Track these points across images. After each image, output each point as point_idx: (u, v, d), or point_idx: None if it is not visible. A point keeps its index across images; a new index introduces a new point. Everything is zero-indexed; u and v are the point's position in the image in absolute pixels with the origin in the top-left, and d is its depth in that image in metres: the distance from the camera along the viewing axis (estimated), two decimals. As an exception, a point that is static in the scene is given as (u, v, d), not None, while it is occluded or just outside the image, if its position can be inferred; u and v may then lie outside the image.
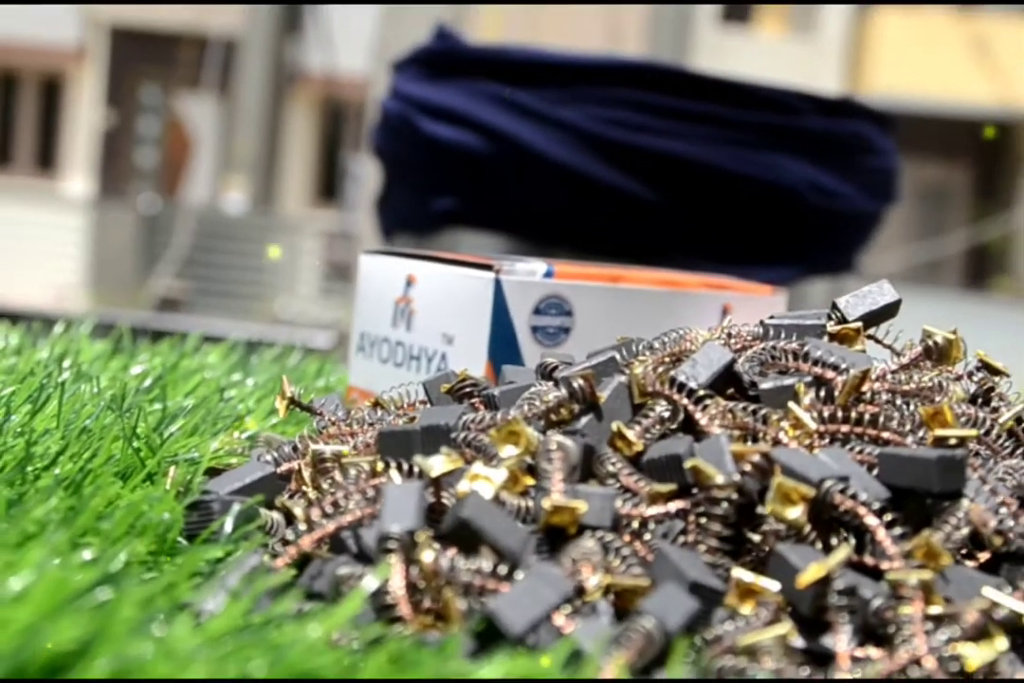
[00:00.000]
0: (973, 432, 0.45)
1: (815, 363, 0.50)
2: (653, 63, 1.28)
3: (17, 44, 8.19)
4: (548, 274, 0.70)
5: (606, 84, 1.27)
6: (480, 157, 1.28)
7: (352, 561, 0.43)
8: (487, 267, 0.68)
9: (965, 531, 0.44)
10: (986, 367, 0.53)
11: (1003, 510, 0.44)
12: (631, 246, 1.27)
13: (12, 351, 0.78)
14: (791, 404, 0.47)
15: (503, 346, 0.68)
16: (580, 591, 0.40)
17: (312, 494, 0.47)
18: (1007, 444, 0.50)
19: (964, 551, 0.45)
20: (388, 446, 0.48)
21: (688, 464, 0.43)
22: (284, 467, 0.51)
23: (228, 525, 0.44)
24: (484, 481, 0.44)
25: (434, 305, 0.71)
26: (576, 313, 0.70)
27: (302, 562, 0.44)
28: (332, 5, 6.18)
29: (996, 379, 0.53)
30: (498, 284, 0.68)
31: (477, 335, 0.68)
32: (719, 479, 0.43)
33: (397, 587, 0.39)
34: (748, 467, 0.43)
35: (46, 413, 0.55)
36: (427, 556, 0.39)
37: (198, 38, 7.16)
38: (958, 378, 0.52)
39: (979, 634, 0.38)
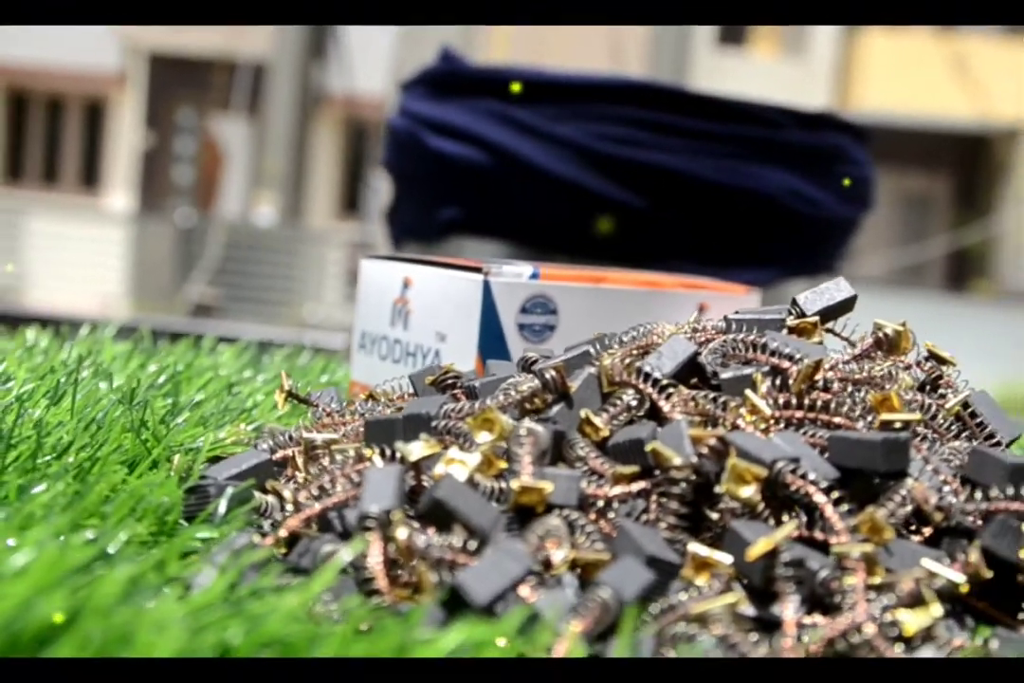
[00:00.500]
0: (916, 416, 0.45)
1: (772, 354, 0.50)
2: (645, 82, 1.28)
3: (63, 71, 8.22)
4: (534, 276, 0.70)
5: (600, 102, 1.27)
6: (482, 170, 1.28)
7: (337, 539, 0.43)
8: (477, 270, 0.68)
9: (909, 508, 0.44)
10: (934, 357, 0.53)
11: (945, 488, 0.44)
12: (625, 252, 1.27)
13: (40, 351, 0.78)
14: (748, 392, 0.47)
15: (492, 343, 0.68)
16: (547, 565, 0.41)
17: (303, 478, 0.47)
18: (953, 428, 0.50)
19: (912, 526, 0.45)
20: (373, 433, 0.48)
21: (648, 447, 0.43)
22: (279, 454, 0.51)
23: (222, 507, 0.44)
24: (459, 465, 0.44)
25: (428, 305, 0.71)
26: (560, 312, 0.70)
27: (292, 541, 0.44)
28: (352, 30, 6.19)
29: (943, 368, 0.53)
30: (487, 285, 0.68)
31: (468, 333, 0.68)
32: (677, 461, 0.43)
33: (375, 562, 0.40)
34: (705, 450, 0.43)
35: (62, 407, 0.56)
36: (401, 533, 0.39)
37: (229, 63, 7.17)
38: (907, 367, 0.52)
39: (915, 601, 0.38)
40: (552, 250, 1.28)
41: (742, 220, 1.27)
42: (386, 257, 0.75)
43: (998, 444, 0.52)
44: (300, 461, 0.49)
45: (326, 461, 0.47)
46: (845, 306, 0.56)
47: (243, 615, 0.33)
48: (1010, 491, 0.43)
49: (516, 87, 1.23)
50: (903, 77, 7.15)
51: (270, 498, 0.47)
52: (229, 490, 0.45)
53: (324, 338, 2.38)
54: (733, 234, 1.28)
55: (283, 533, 0.43)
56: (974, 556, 0.42)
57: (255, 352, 0.86)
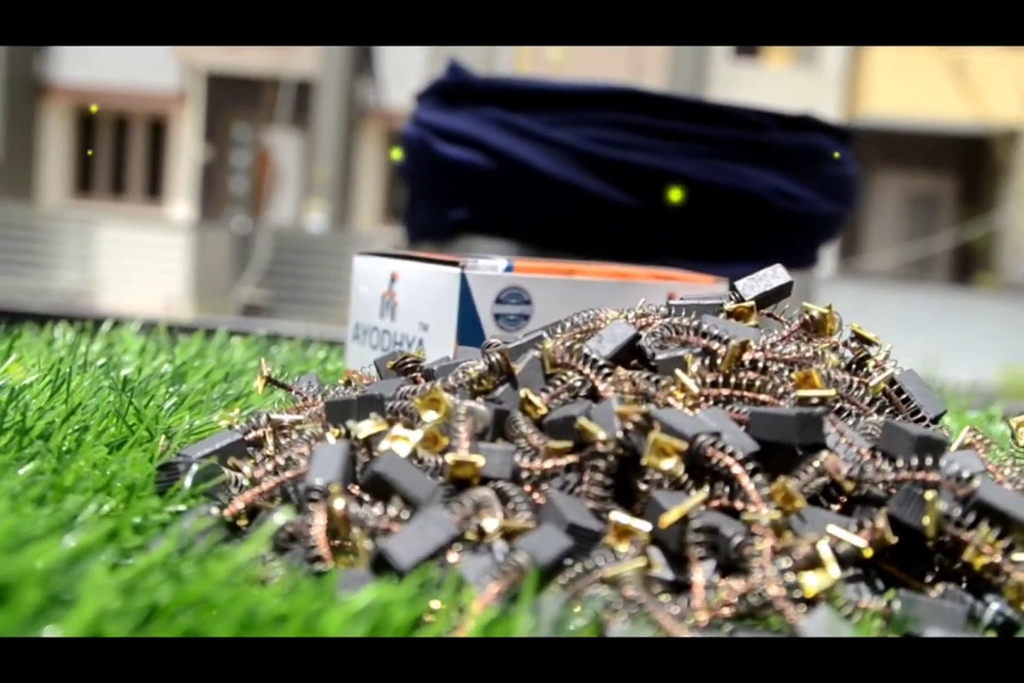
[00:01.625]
0: (831, 392, 0.45)
1: (704, 336, 0.49)
2: (635, 89, 1.27)
3: (128, 91, 8.29)
4: (509, 269, 0.70)
5: (594, 108, 1.27)
6: (486, 174, 1.28)
7: (291, 511, 0.43)
8: (454, 264, 0.68)
9: (824, 479, 0.43)
10: (859, 338, 0.52)
11: (858, 459, 0.44)
12: (619, 248, 1.27)
13: (62, 346, 0.79)
14: (678, 371, 0.47)
15: (470, 331, 0.68)
16: (481, 533, 0.41)
17: (263, 455, 0.47)
18: (875, 403, 0.49)
19: (833, 496, 0.45)
20: (332, 414, 0.49)
21: (576, 424, 0.43)
22: (252, 434, 0.51)
23: (187, 482, 0.45)
24: (402, 441, 0.44)
25: (412, 298, 0.71)
26: (535, 302, 0.70)
27: (254, 513, 0.44)
28: (390, 49, 6.20)
29: (869, 348, 0.52)
30: (463, 278, 0.68)
31: (447, 323, 0.69)
32: (601, 436, 0.42)
33: (317, 532, 0.40)
34: (630, 425, 0.43)
35: (60, 395, 0.56)
36: (338, 504, 0.39)
37: (280, 81, 7.21)
38: (835, 348, 0.52)
39: (813, 564, 0.38)
40: (554, 248, 1.28)
41: (730, 218, 1.26)
42: (376, 253, 0.75)
43: (922, 419, 0.51)
44: (270, 440, 0.50)
45: (291, 440, 0.47)
46: (781, 292, 0.55)
47: (175, 578, 0.33)
48: (915, 461, 0.43)
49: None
50: (907, 84, 7.09)
51: (238, 474, 0.47)
52: (195, 467, 0.45)
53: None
54: (722, 231, 1.27)
55: (239, 505, 0.43)
56: (880, 522, 0.41)
57: (264, 345, 0.86)
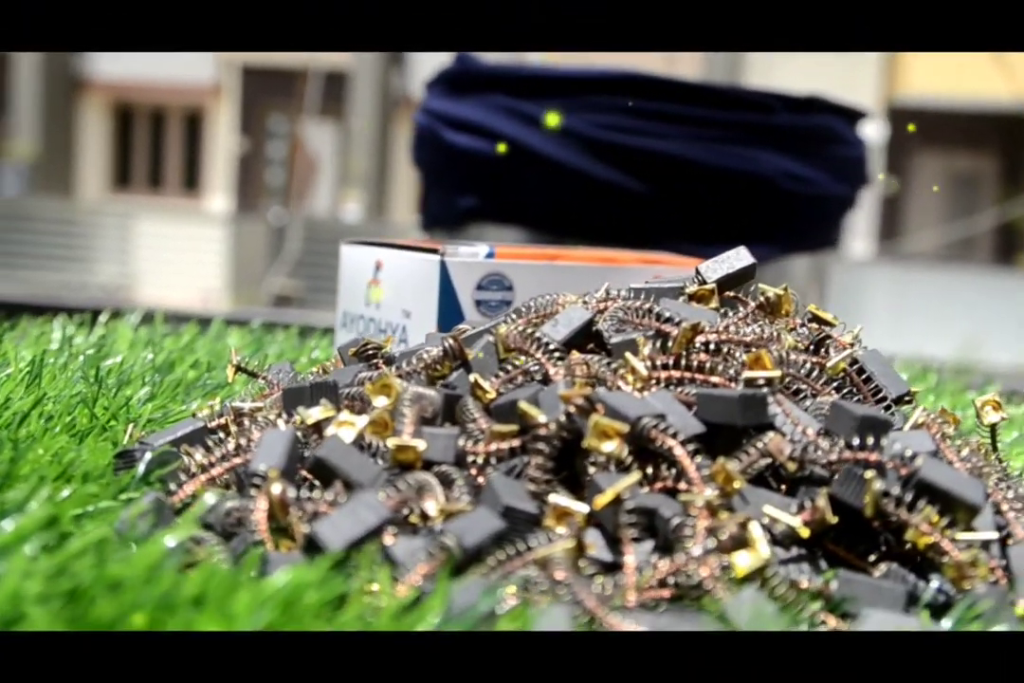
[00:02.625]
0: (777, 373, 0.45)
1: (658, 319, 0.49)
2: (641, 73, 1.27)
3: (164, 85, 8.35)
4: (490, 255, 0.70)
5: (600, 93, 1.27)
6: (494, 161, 1.29)
7: (238, 496, 0.44)
8: (436, 251, 0.69)
9: (768, 460, 0.44)
10: (816, 319, 0.52)
11: (804, 440, 0.44)
12: (629, 234, 1.27)
13: (60, 338, 0.80)
14: (627, 354, 0.47)
15: (451, 318, 0.69)
16: (424, 517, 0.41)
17: (214, 441, 0.48)
18: (831, 383, 0.49)
19: (783, 477, 0.45)
20: (288, 400, 0.49)
21: (518, 408, 0.43)
22: (214, 422, 0.52)
23: (141, 469, 0.45)
24: (348, 426, 0.44)
25: (396, 285, 0.72)
26: (516, 288, 0.71)
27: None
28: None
29: (827, 328, 0.52)
30: (443, 265, 0.68)
31: (428, 310, 0.69)
32: (540, 419, 0.43)
33: (258, 516, 0.40)
34: (572, 408, 0.43)
35: (34, 385, 0.57)
36: (275, 488, 0.40)
37: (315, 72, 7.23)
38: (792, 329, 0.52)
39: (740, 544, 0.38)
40: (564, 235, 1.28)
41: (739, 201, 1.26)
42: (361, 242, 0.76)
43: (883, 399, 0.51)
44: (232, 428, 0.50)
45: (246, 427, 0.48)
46: (746, 274, 0.55)
47: (101, 562, 0.34)
48: (856, 442, 0.43)
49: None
50: (946, 63, 7.01)
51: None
52: (148, 454, 0.46)
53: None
54: (729, 213, 1.27)
55: (188, 491, 0.44)
56: (820, 502, 0.41)
57: (259, 334, 0.87)
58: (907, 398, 0.52)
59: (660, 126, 1.25)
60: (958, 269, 5.91)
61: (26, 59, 8.11)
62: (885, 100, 7.20)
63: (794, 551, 0.42)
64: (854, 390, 0.51)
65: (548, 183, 1.28)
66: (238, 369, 0.57)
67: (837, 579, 0.40)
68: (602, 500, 0.40)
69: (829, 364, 0.50)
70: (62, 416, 0.53)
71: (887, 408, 0.51)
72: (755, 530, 0.38)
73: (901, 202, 7.48)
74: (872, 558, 0.43)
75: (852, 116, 1.33)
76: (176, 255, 7.46)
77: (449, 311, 0.69)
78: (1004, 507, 0.44)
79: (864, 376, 0.51)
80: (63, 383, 0.59)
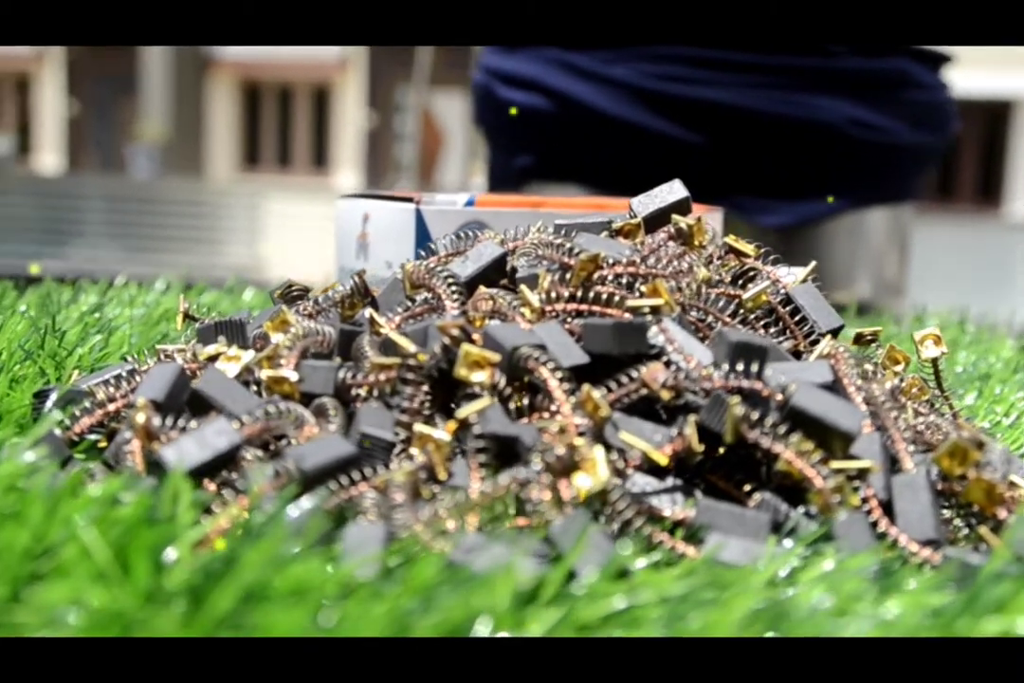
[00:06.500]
0: (660, 301, 0.46)
1: (562, 253, 0.50)
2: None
3: (290, 61, 8.55)
4: (469, 203, 0.72)
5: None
6: (547, 117, 1.30)
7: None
8: (411, 200, 0.71)
9: (644, 389, 0.44)
10: (733, 251, 0.52)
11: (684, 367, 0.44)
12: (687, 188, 1.26)
13: (86, 304, 0.84)
14: (522, 287, 0.48)
15: None
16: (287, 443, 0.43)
17: (113, 378, 0.51)
18: (757, 318, 0.50)
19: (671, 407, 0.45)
20: (202, 339, 0.52)
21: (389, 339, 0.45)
22: (145, 366, 0.55)
23: (48, 405, 0.49)
24: (233, 361, 0.47)
25: (379, 237, 0.74)
26: None
27: (113, 434, 0.48)
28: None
29: (747, 260, 0.52)
30: (419, 213, 0.70)
31: (406, 259, 0.71)
32: (411, 349, 0.44)
33: (133, 446, 0.43)
34: (447, 340, 0.45)
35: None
36: (140, 418, 0.42)
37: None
38: (708, 262, 0.52)
39: (567, 469, 0.39)
40: (621, 191, 1.28)
41: (800, 151, 1.25)
42: (352, 195, 0.78)
43: (811, 333, 0.51)
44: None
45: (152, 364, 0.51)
46: (679, 208, 0.56)
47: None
48: (726, 368, 0.43)
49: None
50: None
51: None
52: (55, 392, 0.49)
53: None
54: (793, 166, 1.25)
55: (85, 424, 0.47)
56: (688, 430, 0.42)
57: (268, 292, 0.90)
58: (838, 332, 0.52)
59: (714, 74, 1.24)
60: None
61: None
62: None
63: (669, 481, 0.43)
64: (777, 323, 0.51)
65: (601, 138, 1.28)
66: (186, 316, 0.60)
67: (697, 507, 0.41)
68: (450, 425, 0.41)
69: (746, 296, 0.50)
70: (7, 366, 0.56)
71: (814, 342, 0.51)
72: (597, 453, 0.39)
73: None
74: (747, 488, 0.43)
75: (932, 59, 1.29)
76: (305, 234, 7.64)
77: (427, 261, 0.71)
78: (896, 437, 0.44)
79: (790, 308, 0.51)
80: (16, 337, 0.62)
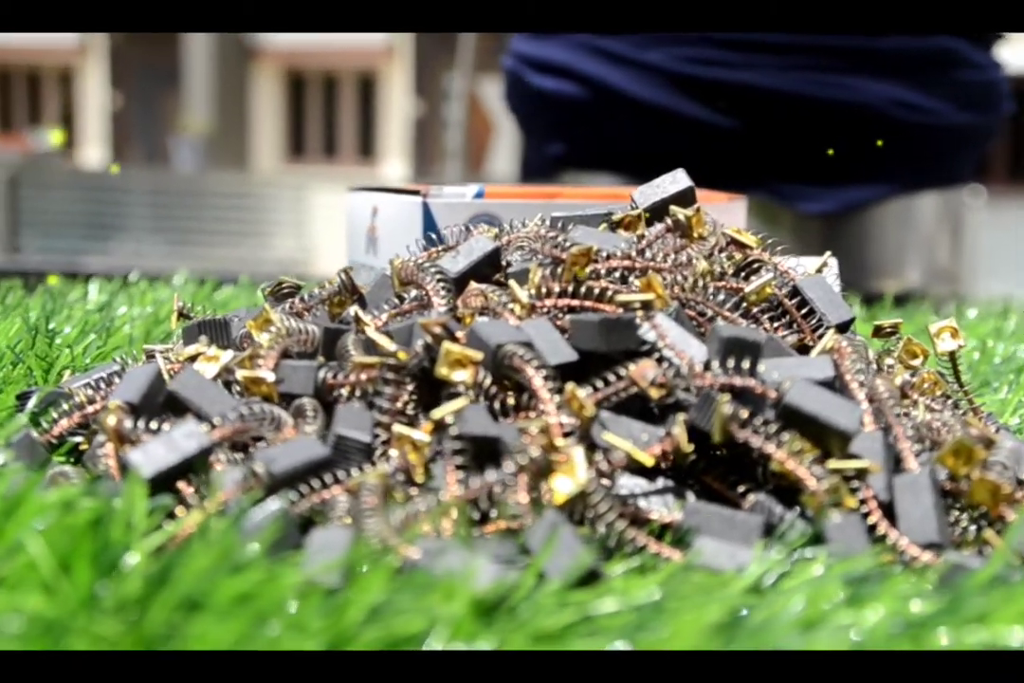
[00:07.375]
0: (651, 296, 0.45)
1: (555, 247, 0.50)
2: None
3: (335, 49, 8.58)
4: (479, 195, 0.71)
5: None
6: (579, 103, 1.29)
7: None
8: (418, 193, 0.70)
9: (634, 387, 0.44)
10: (735, 242, 0.52)
11: (677, 363, 0.44)
12: (723, 174, 1.25)
13: (75, 300, 0.85)
14: (512, 283, 0.48)
15: None
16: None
17: (95, 380, 0.51)
18: (743, 309, 0.49)
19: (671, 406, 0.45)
20: (186, 338, 0.52)
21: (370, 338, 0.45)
22: (133, 366, 0.55)
23: (28, 407, 0.49)
24: (212, 362, 0.47)
25: (388, 231, 0.74)
26: None
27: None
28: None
29: (749, 252, 0.51)
30: (426, 206, 0.70)
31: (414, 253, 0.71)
32: (390, 348, 0.44)
33: (106, 449, 0.43)
34: (429, 338, 0.44)
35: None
36: (110, 420, 0.42)
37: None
38: (709, 255, 0.51)
39: (543, 471, 0.39)
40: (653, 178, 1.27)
41: (841, 135, 1.23)
42: (361, 188, 0.78)
43: (820, 326, 0.50)
44: (143, 370, 0.53)
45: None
46: (682, 199, 0.55)
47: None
48: (717, 365, 0.42)
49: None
50: None
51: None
52: (38, 393, 0.49)
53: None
54: (836, 150, 1.23)
55: (63, 425, 0.47)
56: (676, 430, 0.41)
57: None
58: (848, 326, 0.51)
59: (747, 56, 1.23)
60: None
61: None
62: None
63: (660, 483, 0.42)
64: (784, 316, 0.50)
65: (636, 125, 1.27)
66: (180, 315, 0.60)
67: (684, 510, 0.40)
68: (427, 427, 0.41)
69: (748, 289, 0.49)
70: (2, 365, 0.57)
71: (823, 336, 0.50)
72: (576, 454, 0.38)
73: None
74: (742, 490, 0.42)
75: (982, 38, 1.27)
76: (352, 226, 7.65)
77: (435, 255, 0.70)
78: (900, 434, 0.43)
79: (796, 300, 0.50)
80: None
